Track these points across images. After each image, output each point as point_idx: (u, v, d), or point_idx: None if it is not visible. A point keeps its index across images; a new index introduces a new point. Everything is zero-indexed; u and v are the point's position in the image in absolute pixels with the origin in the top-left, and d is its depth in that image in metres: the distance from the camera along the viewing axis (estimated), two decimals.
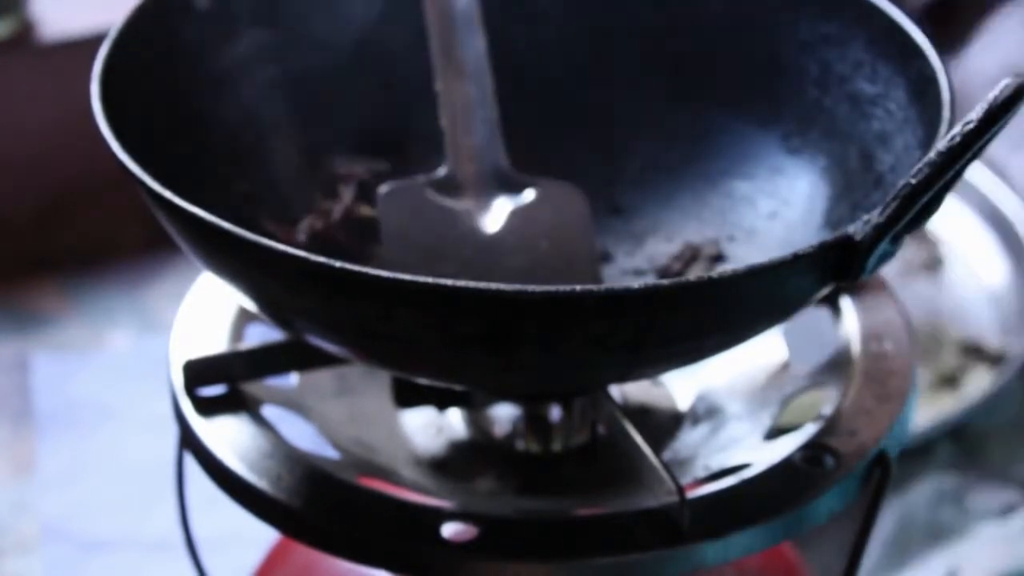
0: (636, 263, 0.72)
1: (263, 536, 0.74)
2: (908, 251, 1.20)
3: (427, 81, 0.71)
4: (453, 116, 0.69)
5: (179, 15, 0.68)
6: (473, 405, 0.68)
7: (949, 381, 1.09)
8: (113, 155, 0.58)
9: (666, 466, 0.59)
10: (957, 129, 0.54)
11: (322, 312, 0.56)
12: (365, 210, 0.70)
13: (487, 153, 0.69)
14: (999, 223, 1.21)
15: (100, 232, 1.24)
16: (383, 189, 0.69)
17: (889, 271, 0.70)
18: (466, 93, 0.69)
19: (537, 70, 0.74)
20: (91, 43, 0.64)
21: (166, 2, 0.67)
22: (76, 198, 1.22)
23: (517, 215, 0.69)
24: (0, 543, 1.00)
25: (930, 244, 1.22)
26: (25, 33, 1.20)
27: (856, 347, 0.68)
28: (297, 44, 0.71)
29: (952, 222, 1.22)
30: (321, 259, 0.52)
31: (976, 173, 1.22)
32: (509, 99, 0.71)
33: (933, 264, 1.20)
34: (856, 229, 0.55)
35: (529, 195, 0.70)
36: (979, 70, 1.30)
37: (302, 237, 0.68)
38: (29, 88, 1.20)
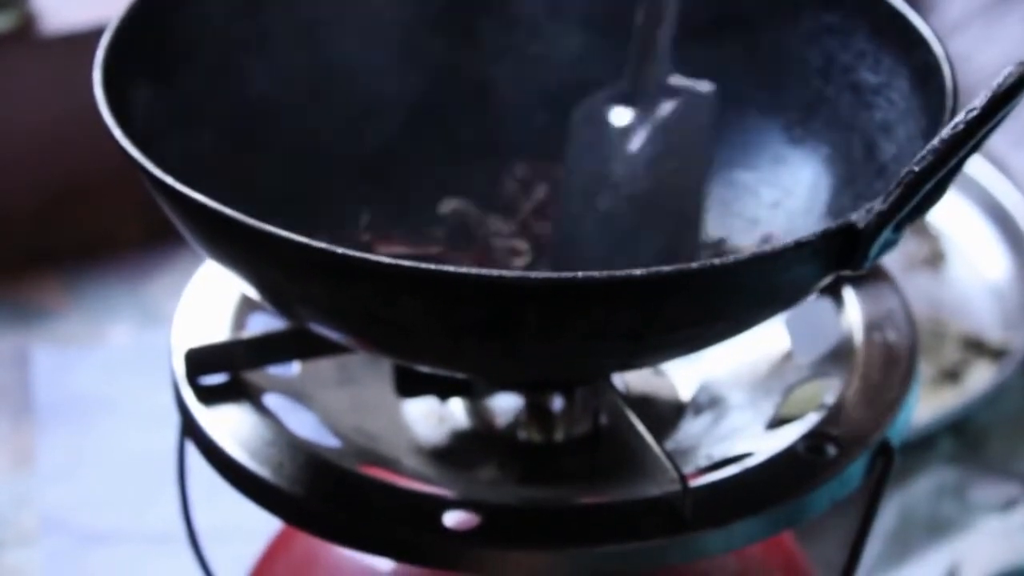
0: None
1: (265, 527, 0.74)
2: (910, 246, 1.20)
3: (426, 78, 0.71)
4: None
5: (181, 6, 0.67)
6: (475, 394, 0.68)
7: (951, 375, 1.09)
8: (116, 144, 0.57)
9: (669, 455, 0.59)
10: (960, 117, 0.54)
11: (325, 298, 0.55)
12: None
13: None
14: (1001, 218, 1.21)
15: (101, 226, 1.24)
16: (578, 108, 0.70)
17: (891, 266, 0.70)
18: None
19: (548, 60, 0.74)
20: (93, 36, 0.64)
21: None
22: (77, 192, 1.22)
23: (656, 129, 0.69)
24: (0, 535, 1.00)
25: (932, 239, 1.22)
26: (27, 26, 1.19)
27: (858, 336, 0.68)
28: (298, 33, 0.71)
29: (954, 217, 1.22)
30: (323, 245, 0.52)
31: (977, 168, 1.22)
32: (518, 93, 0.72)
33: (935, 259, 1.20)
34: (859, 217, 0.55)
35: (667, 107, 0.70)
36: (980, 67, 1.30)
37: None
38: (30, 82, 1.20)
